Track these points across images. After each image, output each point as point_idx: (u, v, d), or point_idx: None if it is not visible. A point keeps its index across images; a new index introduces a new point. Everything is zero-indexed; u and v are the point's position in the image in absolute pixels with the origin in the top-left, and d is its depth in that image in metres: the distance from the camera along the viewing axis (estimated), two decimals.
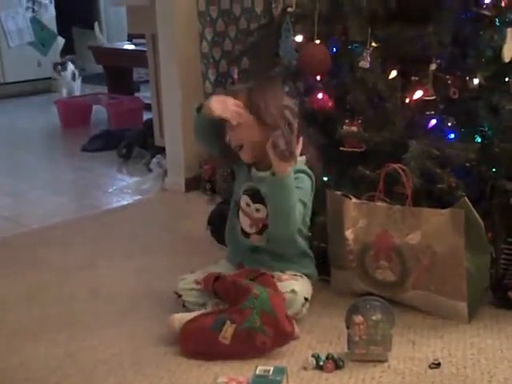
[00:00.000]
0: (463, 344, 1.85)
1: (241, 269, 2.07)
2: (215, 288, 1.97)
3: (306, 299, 1.97)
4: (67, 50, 7.15)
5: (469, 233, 1.91)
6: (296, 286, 1.96)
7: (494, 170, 2.18)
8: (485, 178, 2.17)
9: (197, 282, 2.03)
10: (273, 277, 1.97)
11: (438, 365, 1.75)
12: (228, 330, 1.82)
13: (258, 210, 2.05)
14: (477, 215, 1.94)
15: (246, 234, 2.10)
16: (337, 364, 1.75)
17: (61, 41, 6.71)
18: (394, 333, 1.85)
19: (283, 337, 1.82)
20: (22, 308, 2.20)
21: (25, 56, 6.35)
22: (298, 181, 1.96)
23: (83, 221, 3.06)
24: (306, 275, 2.06)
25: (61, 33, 6.76)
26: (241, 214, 2.11)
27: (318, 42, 2.32)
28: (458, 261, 1.91)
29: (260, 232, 2.07)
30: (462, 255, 1.90)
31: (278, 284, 1.94)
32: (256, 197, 2.05)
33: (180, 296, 2.05)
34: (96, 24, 6.38)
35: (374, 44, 2.25)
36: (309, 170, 2.03)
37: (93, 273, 2.45)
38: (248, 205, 2.07)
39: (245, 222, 2.09)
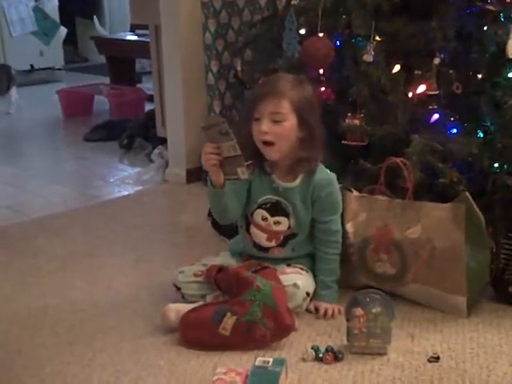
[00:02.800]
0: (462, 338, 1.85)
1: (245, 260, 2.06)
2: (217, 279, 1.97)
3: (307, 294, 1.97)
4: (70, 39, 7.16)
5: (469, 228, 1.91)
6: (299, 280, 1.96)
7: (495, 165, 2.18)
8: (486, 173, 2.17)
9: (196, 275, 2.02)
10: (276, 270, 1.97)
11: (437, 358, 1.75)
12: (228, 321, 1.82)
13: (277, 223, 2.01)
14: (478, 210, 1.93)
15: (263, 249, 2.05)
16: (336, 356, 1.75)
17: (63, 30, 6.70)
18: (394, 326, 1.85)
19: (283, 330, 1.82)
20: (22, 297, 2.20)
21: (27, 45, 6.34)
22: (332, 196, 2.01)
23: (84, 210, 3.06)
24: (313, 270, 2.05)
25: (63, 23, 6.76)
26: (254, 229, 2.04)
27: (321, 35, 2.32)
28: (457, 255, 1.91)
29: (283, 244, 2.04)
30: (462, 250, 1.90)
31: (282, 277, 1.94)
32: (274, 209, 2.00)
33: (179, 289, 2.04)
34: (95, 17, 6.37)
35: (377, 38, 2.25)
36: (330, 175, 2.02)
37: (93, 262, 2.45)
38: (264, 218, 2.02)
39: (260, 237, 2.04)
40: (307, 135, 1.94)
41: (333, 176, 2.03)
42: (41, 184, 3.50)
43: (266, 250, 2.06)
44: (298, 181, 2.00)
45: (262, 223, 2.02)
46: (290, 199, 1.99)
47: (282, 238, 2.03)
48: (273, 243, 2.04)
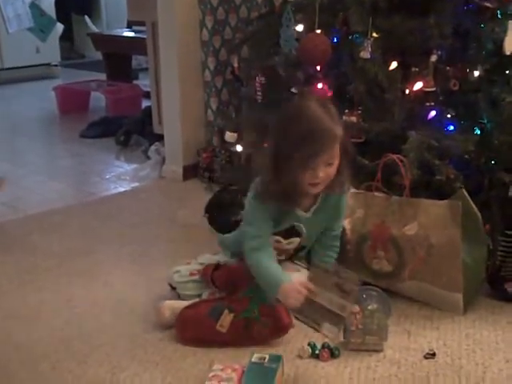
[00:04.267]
0: (458, 335, 1.86)
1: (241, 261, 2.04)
2: (214, 277, 1.97)
3: None
4: (66, 36, 7.14)
5: (466, 224, 1.91)
6: (295, 277, 1.95)
7: (492, 162, 2.19)
8: (483, 170, 2.17)
9: (192, 274, 2.02)
10: None
11: (433, 355, 1.75)
12: (226, 318, 1.82)
13: (290, 243, 1.99)
14: (474, 207, 1.94)
15: None
16: (332, 353, 1.75)
17: (60, 27, 6.68)
18: (390, 323, 1.86)
19: (281, 328, 1.82)
20: (18, 293, 2.20)
21: (23, 42, 6.31)
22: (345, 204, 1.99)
23: (80, 207, 3.06)
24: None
25: (60, 19, 6.73)
26: None
27: (318, 31, 2.31)
28: (454, 252, 1.91)
29: (291, 257, 2.02)
30: (459, 247, 1.90)
31: None
32: (289, 233, 1.97)
33: (174, 288, 2.03)
34: (86, 17, 6.36)
35: (374, 34, 2.24)
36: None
37: (89, 259, 2.45)
38: (278, 241, 1.97)
39: None
40: (344, 161, 1.87)
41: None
42: (37, 180, 3.49)
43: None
44: (318, 201, 1.94)
45: (275, 244, 1.97)
46: (308, 223, 1.95)
47: (292, 252, 2.02)
48: (282, 257, 2.01)
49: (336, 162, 1.82)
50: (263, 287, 1.84)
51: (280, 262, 1.99)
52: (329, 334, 1.74)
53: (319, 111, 1.79)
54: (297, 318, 1.75)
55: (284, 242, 1.98)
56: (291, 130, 1.78)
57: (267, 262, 1.86)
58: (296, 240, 1.99)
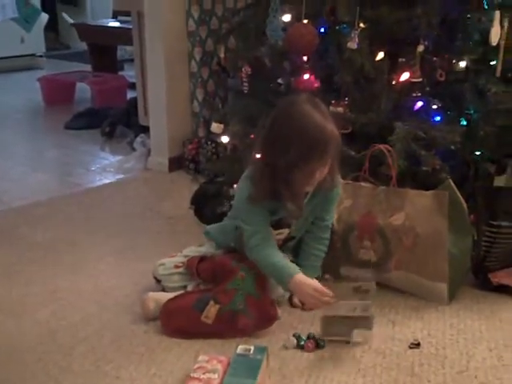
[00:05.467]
0: (443, 325, 1.86)
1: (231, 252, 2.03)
2: (199, 269, 1.96)
3: None
4: (51, 26, 7.07)
5: (452, 215, 1.91)
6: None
7: (478, 152, 2.19)
8: (469, 161, 2.18)
9: (177, 266, 2.01)
10: None
11: (418, 345, 1.76)
12: (211, 310, 1.81)
13: (279, 234, 1.98)
14: (460, 197, 1.94)
15: None
16: (318, 344, 1.75)
17: (44, 17, 6.61)
18: (375, 313, 1.86)
19: (266, 320, 1.82)
20: (3, 285, 2.17)
21: (8, 32, 6.23)
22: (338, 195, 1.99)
23: (65, 199, 3.03)
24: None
25: (45, 9, 6.67)
26: None
27: (305, 21, 2.30)
28: (440, 242, 1.91)
29: (280, 246, 1.99)
30: (445, 237, 1.91)
31: None
32: (278, 224, 1.96)
33: (159, 281, 2.02)
34: (63, 13, 6.31)
35: (362, 25, 2.24)
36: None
37: (75, 251, 2.43)
38: None
39: None
40: (336, 158, 1.86)
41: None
42: (22, 172, 3.46)
43: None
44: (308, 194, 1.93)
45: None
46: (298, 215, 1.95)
47: (281, 242, 2.01)
48: None
49: (330, 161, 1.82)
50: (275, 280, 1.86)
51: None
52: (362, 340, 1.72)
53: (317, 116, 1.76)
54: (330, 340, 1.73)
55: (273, 232, 1.96)
56: (295, 139, 1.75)
57: (272, 256, 1.86)
58: (285, 231, 1.98)
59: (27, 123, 4.72)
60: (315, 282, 1.81)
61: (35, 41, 6.47)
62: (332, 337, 1.73)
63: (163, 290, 2.01)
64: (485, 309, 1.95)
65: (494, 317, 1.90)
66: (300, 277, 1.81)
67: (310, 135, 1.75)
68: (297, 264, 1.97)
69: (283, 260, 1.87)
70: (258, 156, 1.88)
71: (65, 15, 6.22)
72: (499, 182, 2.29)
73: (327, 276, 1.94)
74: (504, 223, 2.02)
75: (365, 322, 1.73)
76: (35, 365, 1.73)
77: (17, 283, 2.19)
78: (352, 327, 1.72)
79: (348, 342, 1.73)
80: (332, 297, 1.75)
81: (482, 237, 2.03)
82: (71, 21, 6.36)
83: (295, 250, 2.05)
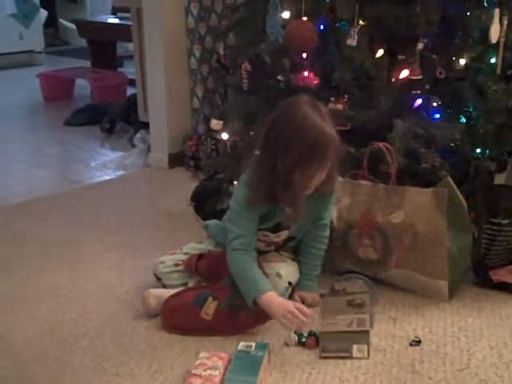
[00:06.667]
0: (444, 322, 1.87)
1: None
2: (198, 266, 1.96)
3: (289, 283, 1.96)
4: (50, 22, 7.06)
5: (451, 213, 1.91)
6: (282, 269, 1.95)
7: (478, 150, 2.19)
8: (469, 159, 2.18)
9: (177, 264, 2.01)
10: (257, 255, 1.96)
11: (419, 342, 1.76)
12: (210, 306, 1.82)
13: (278, 236, 1.98)
14: (460, 195, 1.94)
15: (260, 252, 1.98)
16: (319, 341, 1.75)
17: (43, 13, 6.61)
18: (376, 310, 1.87)
19: (265, 315, 1.82)
20: (2, 281, 2.18)
21: (7, 28, 6.25)
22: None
23: (65, 195, 3.03)
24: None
25: (44, 5, 6.66)
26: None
27: (305, 19, 2.30)
28: (439, 240, 1.91)
29: (281, 247, 2.01)
30: (444, 235, 1.91)
31: (265, 264, 1.93)
32: (277, 228, 1.95)
33: (159, 279, 2.03)
34: (61, 19, 6.30)
35: (361, 22, 2.23)
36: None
37: (74, 247, 2.44)
38: (266, 235, 1.96)
39: (259, 245, 1.96)
40: (335, 162, 1.85)
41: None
42: (22, 168, 3.46)
43: (263, 252, 2.01)
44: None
45: (263, 238, 1.97)
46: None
47: (281, 243, 2.01)
48: (271, 247, 2.01)
49: (329, 165, 1.80)
50: (241, 290, 1.82)
51: (266, 252, 2.00)
52: (360, 355, 1.69)
53: (318, 119, 1.75)
54: (326, 357, 1.70)
55: (272, 235, 1.97)
56: (295, 142, 1.73)
57: (248, 265, 1.83)
58: (284, 233, 1.98)
59: (26, 119, 4.72)
60: (288, 304, 1.76)
61: (34, 37, 6.48)
62: (331, 353, 1.70)
63: (163, 287, 2.01)
64: (485, 306, 1.95)
65: (494, 314, 1.91)
66: (271, 295, 1.76)
67: (311, 138, 1.73)
68: (300, 261, 1.98)
69: (259, 274, 1.82)
70: (258, 156, 1.85)
71: (63, 22, 6.22)
72: (499, 179, 2.29)
73: (322, 290, 1.92)
74: (504, 221, 2.02)
75: (362, 336, 1.71)
76: (35, 361, 1.73)
77: (16, 279, 2.19)
78: (350, 342, 1.70)
79: (347, 358, 1.70)
80: (307, 315, 1.71)
81: (482, 234, 2.03)
82: (71, 25, 6.35)
83: (295, 249, 2.05)
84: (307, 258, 2.02)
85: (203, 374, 1.57)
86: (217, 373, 1.56)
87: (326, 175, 1.82)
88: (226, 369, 1.58)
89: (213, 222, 2.16)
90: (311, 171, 1.77)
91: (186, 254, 2.04)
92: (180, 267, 2.01)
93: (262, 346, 1.64)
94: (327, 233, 2.02)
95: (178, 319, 1.84)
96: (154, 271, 2.04)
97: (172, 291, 1.91)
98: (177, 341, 1.80)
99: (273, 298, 1.76)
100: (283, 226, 1.95)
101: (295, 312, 1.71)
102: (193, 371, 1.58)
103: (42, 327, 1.89)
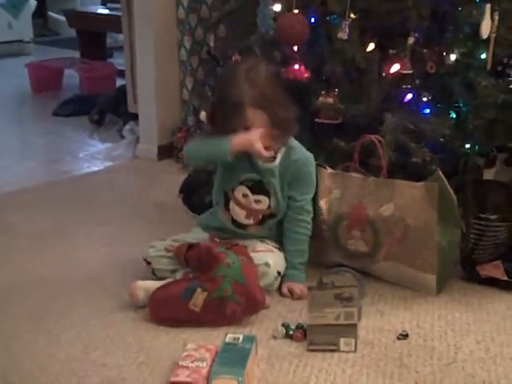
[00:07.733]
0: (431, 316, 1.87)
1: (211, 240, 2.04)
2: (187, 257, 1.96)
3: (278, 273, 1.96)
4: (39, 12, 7.01)
5: (441, 207, 1.92)
6: (270, 258, 1.95)
7: (467, 145, 2.20)
8: (458, 154, 2.18)
9: (167, 250, 2.01)
10: (246, 247, 1.96)
11: (406, 336, 1.77)
12: (199, 297, 1.81)
13: (258, 202, 2.00)
14: (450, 189, 1.94)
15: (241, 226, 2.04)
16: (306, 334, 1.75)
17: (33, 3, 6.55)
18: (364, 303, 1.87)
19: (254, 305, 1.82)
20: None
21: None
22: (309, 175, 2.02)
23: (53, 186, 3.01)
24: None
25: None
26: (233, 205, 2.03)
27: (296, 11, 2.29)
28: (429, 234, 1.92)
29: (260, 222, 2.03)
30: (435, 229, 1.91)
31: (253, 255, 1.93)
32: (256, 188, 1.99)
33: (149, 263, 2.03)
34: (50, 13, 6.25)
35: (352, 15, 2.23)
36: (307, 154, 2.03)
37: (62, 238, 2.42)
38: (245, 195, 2.01)
39: (239, 214, 2.02)
40: (277, 120, 1.91)
41: (310, 156, 2.03)
42: (9, 159, 3.43)
43: (244, 226, 2.05)
44: (277, 161, 1.99)
45: (243, 200, 2.01)
46: (271, 179, 1.98)
47: (260, 216, 2.02)
48: (251, 221, 2.03)
49: (257, 124, 1.88)
50: (212, 155, 1.96)
51: (246, 227, 2.04)
52: (347, 348, 1.70)
53: (237, 76, 1.89)
54: (313, 350, 1.71)
55: (252, 196, 1.98)
56: (215, 94, 1.90)
57: (201, 140, 2.03)
58: (265, 200, 1.99)
59: (14, 110, 4.68)
60: (254, 133, 1.88)
61: (23, 27, 6.42)
62: (318, 346, 1.71)
63: (152, 272, 2.01)
64: (473, 301, 1.96)
65: (481, 309, 1.91)
66: (236, 136, 1.88)
67: (220, 95, 1.95)
68: (284, 250, 2.01)
69: (214, 138, 1.93)
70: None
71: (53, 14, 6.17)
72: (488, 175, 2.30)
73: (310, 284, 1.93)
74: (492, 216, 2.03)
75: (350, 330, 1.71)
76: (22, 352, 1.72)
77: (3, 271, 2.18)
78: (337, 335, 1.70)
79: (335, 351, 1.71)
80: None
81: (470, 229, 2.03)
82: (61, 18, 6.31)
83: (280, 242, 2.06)
84: (289, 244, 2.03)
85: (190, 365, 1.56)
86: (204, 364, 1.56)
87: (274, 130, 1.91)
88: (213, 361, 1.57)
89: (202, 216, 2.18)
90: (225, 125, 1.89)
91: (175, 240, 2.04)
92: (170, 254, 2.00)
93: (250, 339, 1.64)
94: (306, 217, 2.03)
95: (166, 311, 1.83)
96: (143, 255, 2.03)
97: (160, 283, 1.91)
98: (164, 332, 1.79)
99: (239, 135, 1.89)
100: (262, 186, 1.98)
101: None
102: (180, 363, 1.57)
103: (30, 318, 1.88)
